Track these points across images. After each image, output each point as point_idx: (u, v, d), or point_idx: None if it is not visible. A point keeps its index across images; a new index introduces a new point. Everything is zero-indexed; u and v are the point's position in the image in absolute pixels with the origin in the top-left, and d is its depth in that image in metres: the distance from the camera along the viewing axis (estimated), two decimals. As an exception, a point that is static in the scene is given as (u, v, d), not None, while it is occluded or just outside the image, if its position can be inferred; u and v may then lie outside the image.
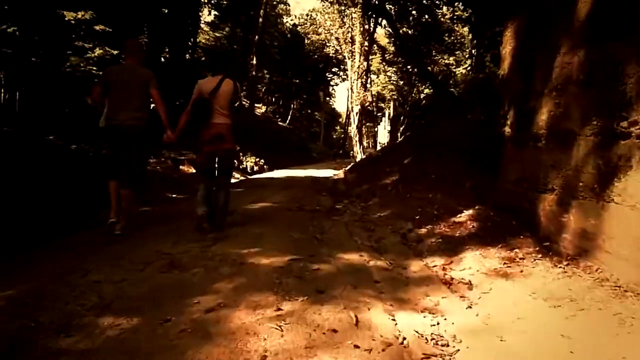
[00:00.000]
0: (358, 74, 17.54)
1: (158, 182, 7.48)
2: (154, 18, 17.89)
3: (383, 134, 14.54)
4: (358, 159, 17.77)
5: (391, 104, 14.29)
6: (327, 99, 38.40)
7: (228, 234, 3.49)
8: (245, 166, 12.81)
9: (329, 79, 33.56)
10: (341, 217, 4.71)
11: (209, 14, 23.77)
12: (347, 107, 36.39)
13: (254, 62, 17.80)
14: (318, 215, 4.74)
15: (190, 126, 3.41)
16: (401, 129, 17.22)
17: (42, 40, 8.62)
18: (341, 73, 33.77)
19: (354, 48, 17.86)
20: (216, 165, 3.48)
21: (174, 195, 7.05)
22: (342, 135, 36.77)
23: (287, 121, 33.13)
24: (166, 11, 18.64)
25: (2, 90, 10.11)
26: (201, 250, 2.97)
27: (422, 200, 4.84)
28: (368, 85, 18.95)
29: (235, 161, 5.59)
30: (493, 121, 4.26)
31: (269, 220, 4.28)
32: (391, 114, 13.86)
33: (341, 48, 28.55)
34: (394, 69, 21.50)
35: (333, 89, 39.94)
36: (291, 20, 32.02)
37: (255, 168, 13.06)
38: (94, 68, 10.75)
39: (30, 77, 8.06)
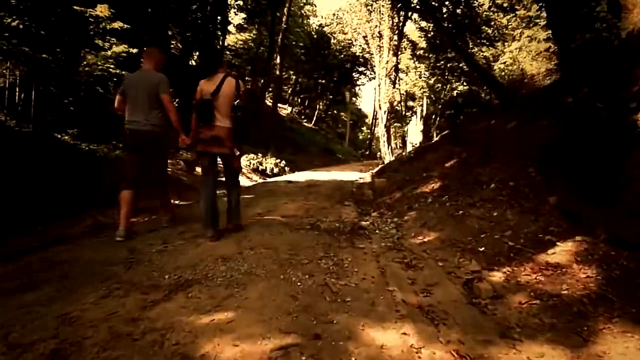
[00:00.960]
0: (387, 70, 15.99)
1: (180, 183, 6.46)
2: (181, 21, 17.43)
3: (414, 133, 12.95)
4: (386, 161, 16.23)
5: (423, 102, 12.63)
6: (353, 99, 36.88)
7: (195, 277, 2.24)
8: (264, 168, 11.68)
9: (355, 78, 32.05)
10: (369, 244, 3.34)
11: (236, 14, 23.13)
12: (374, 107, 34.68)
13: (278, 61, 16.70)
14: (337, 239, 3.40)
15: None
16: (432, 128, 15.50)
17: (57, 37, 7.95)
18: (368, 72, 32.24)
19: (382, 43, 16.32)
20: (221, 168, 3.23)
21: (177, 202, 5.95)
22: (369, 136, 35.09)
23: (313, 122, 32.02)
24: (193, 15, 18.29)
25: (18, 90, 9.56)
26: (132, 318, 1.72)
27: (482, 220, 3.38)
28: (396, 83, 17.33)
29: (236, 164, 4.45)
30: (593, 106, 2.76)
31: (267, 247, 3.00)
32: (424, 112, 12.23)
33: (368, 44, 27.08)
34: (425, 64, 19.72)
35: (359, 89, 38.39)
36: (317, 21, 30.83)
37: (275, 170, 11.90)
38: (111, 66, 10.06)
39: (45, 76, 7.35)
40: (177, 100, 4.75)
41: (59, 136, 7.49)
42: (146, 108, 3.13)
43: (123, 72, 10.08)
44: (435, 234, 3.45)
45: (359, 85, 35.66)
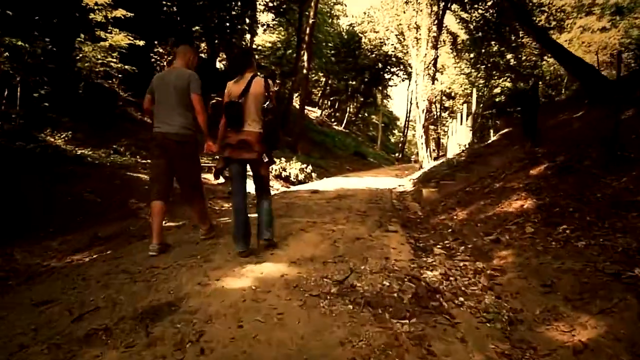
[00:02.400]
0: (425, 64, 13.92)
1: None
2: (208, 21, 16.42)
3: (461, 133, 10.85)
4: (425, 165, 14.13)
5: (473, 97, 10.45)
6: (385, 101, 34.69)
7: None
8: (288, 174, 10.10)
9: (387, 79, 29.94)
10: (462, 346, 1.54)
11: (264, 13, 22.01)
12: (407, 109, 32.36)
13: (305, 58, 15.16)
14: (392, 330, 1.65)
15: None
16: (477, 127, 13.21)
17: (46, 24, 6.85)
18: (400, 73, 30.06)
19: (420, 35, 14.28)
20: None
21: (167, 224, 4.46)
22: (402, 139, 32.74)
23: (343, 125, 30.28)
24: (220, 13, 17.22)
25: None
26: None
27: None
28: (435, 80, 15.16)
29: (264, 172, 3.27)
30: None
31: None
32: (472, 109, 10.09)
33: (404, 37, 24.95)
34: (466, 59, 17.35)
35: (390, 90, 36.11)
36: (348, 21, 29.14)
37: (301, 176, 10.29)
38: (113, 60, 8.96)
39: (33, 69, 6.29)
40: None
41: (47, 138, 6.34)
42: (175, 109, 2.73)
43: (126, 67, 9.01)
44: (585, 317, 1.61)
45: (391, 85, 33.41)
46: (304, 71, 14.74)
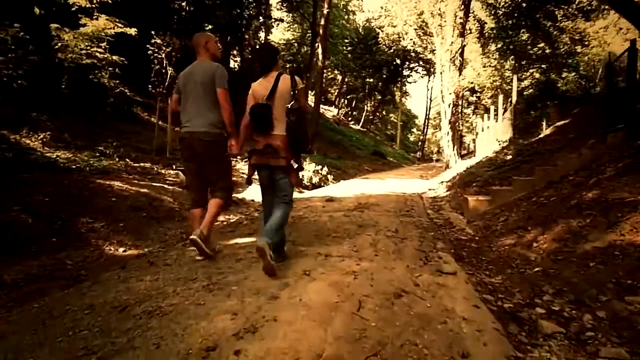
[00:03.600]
0: (451, 53, 12.33)
1: (131, 209, 3.86)
2: (219, 18, 15.45)
3: (497, 129, 9.28)
4: (452, 165, 12.54)
5: (514, 89, 8.76)
6: (403, 99, 32.91)
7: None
8: (301, 177, 8.86)
9: (406, 75, 28.22)
10: None
11: (279, 9, 20.93)
12: (427, 106, 30.54)
13: (320, 51, 13.88)
14: None
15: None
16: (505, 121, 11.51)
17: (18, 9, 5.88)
18: (420, 69, 28.29)
19: (444, 22, 12.70)
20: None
21: (122, 251, 3.29)
22: (421, 137, 30.91)
23: (360, 124, 28.81)
24: (233, 10, 16.27)
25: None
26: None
27: None
28: (462, 70, 13.49)
29: (293, 180, 2.50)
30: None
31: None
32: (512, 100, 8.47)
33: (423, 30, 23.27)
34: (493, 49, 15.58)
35: (409, 87, 34.24)
36: (365, 16, 27.64)
37: (315, 179, 9.03)
38: (99, 50, 7.90)
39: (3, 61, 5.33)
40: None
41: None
42: (203, 107, 2.42)
43: (114, 57, 7.90)
44: None
45: (410, 82, 31.55)
46: (319, 64, 13.45)
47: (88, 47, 7.16)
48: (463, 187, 6.03)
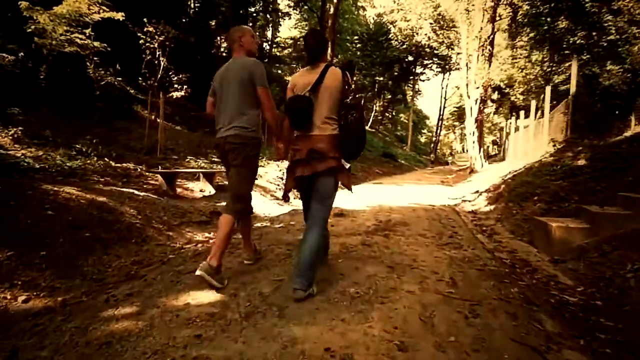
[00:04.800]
0: (480, 41, 10.68)
1: (70, 227, 2.44)
2: (225, 16, 14.31)
3: (544, 128, 7.64)
4: (478, 169, 10.90)
5: (573, 76, 6.94)
6: (414, 98, 31.18)
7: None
8: (303, 181, 7.35)
9: (419, 73, 26.52)
10: None
11: (287, 4, 19.51)
12: (440, 105, 28.72)
13: (328, 45, 12.36)
14: None
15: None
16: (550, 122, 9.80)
17: None
18: (434, 66, 26.56)
19: (472, 6, 11.05)
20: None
21: (23, 301, 1.85)
22: (433, 139, 29.13)
23: (369, 124, 27.20)
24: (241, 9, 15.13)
25: None
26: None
27: None
28: (492, 61, 11.78)
29: (345, 181, 1.99)
30: None
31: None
32: (573, 92, 6.75)
33: (439, 25, 21.64)
34: (528, 38, 13.80)
35: (421, 85, 32.51)
36: (376, 11, 26.01)
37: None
38: (81, 36, 5.93)
39: None
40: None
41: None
42: (236, 107, 2.11)
43: (95, 43, 5.89)
44: None
45: (423, 80, 29.78)
46: (328, 56, 11.87)
47: (68, 33, 5.91)
48: (518, 202, 4.42)
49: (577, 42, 13.68)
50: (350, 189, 2.03)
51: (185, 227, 3.36)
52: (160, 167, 5.38)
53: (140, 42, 8.23)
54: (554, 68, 13.77)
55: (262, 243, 2.89)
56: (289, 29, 23.86)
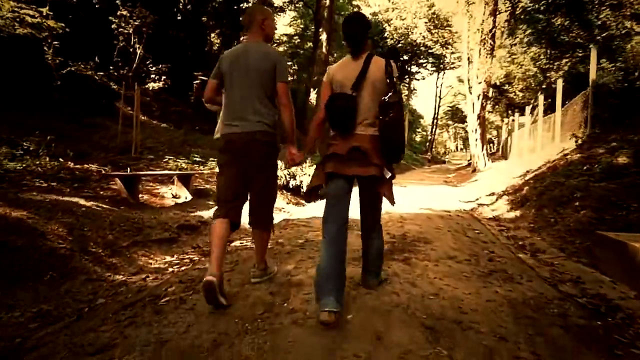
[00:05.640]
0: (481, 34, 9.87)
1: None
2: (216, 12, 13.46)
3: (545, 125, 6.86)
4: (481, 167, 10.10)
5: (592, 66, 6.13)
6: (409, 97, 30.40)
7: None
8: (298, 183, 6.45)
9: (414, 72, 25.73)
10: None
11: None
12: (435, 104, 27.98)
13: (324, 38, 11.46)
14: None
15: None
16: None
17: None
18: (429, 66, 25.81)
19: (474, -2, 10.23)
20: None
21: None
22: (429, 138, 28.37)
23: (365, 123, 26.34)
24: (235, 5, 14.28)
25: None
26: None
27: None
28: (494, 55, 10.94)
29: (387, 193, 1.70)
30: None
31: None
32: (591, 84, 5.95)
33: (434, 24, 20.93)
34: (525, 34, 13.07)
35: (415, 84, 31.70)
36: (371, 10, 25.16)
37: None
38: (30, 12, 4.89)
39: None
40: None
41: None
42: (255, 100, 1.77)
43: (50, 23, 5.08)
44: None
45: (418, 79, 29.01)
46: (324, 50, 11.04)
47: (17, 9, 4.97)
48: (554, 208, 3.59)
49: (572, 40, 12.98)
50: (392, 202, 1.73)
51: (140, 248, 2.47)
52: (129, 168, 4.47)
53: (112, 26, 7.25)
54: (550, 65, 13.00)
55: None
56: (284, 26, 22.93)
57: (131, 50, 7.79)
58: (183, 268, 2.26)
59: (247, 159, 1.77)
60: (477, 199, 5.42)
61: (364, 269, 1.87)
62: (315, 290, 1.50)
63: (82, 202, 2.84)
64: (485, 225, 3.71)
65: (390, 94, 1.62)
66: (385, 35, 23.35)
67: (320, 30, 11.99)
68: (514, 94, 14.19)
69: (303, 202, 6.20)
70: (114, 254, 2.27)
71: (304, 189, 6.48)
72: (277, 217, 4.11)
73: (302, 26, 21.55)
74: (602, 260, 2.39)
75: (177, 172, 4.59)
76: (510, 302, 1.70)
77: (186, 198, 4.20)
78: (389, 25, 23.05)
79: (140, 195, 3.81)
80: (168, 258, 2.46)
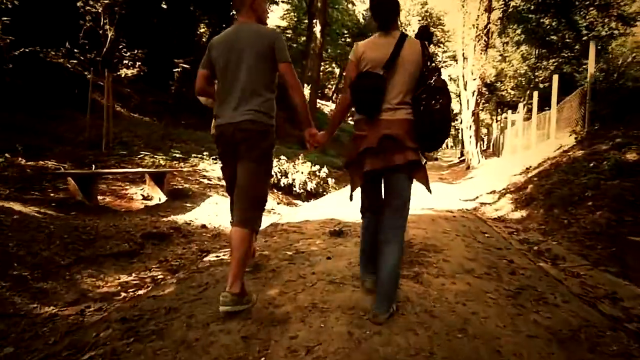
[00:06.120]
0: (476, 30, 9.58)
1: None
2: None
3: (539, 121, 6.62)
4: (475, 164, 9.87)
5: (591, 58, 5.83)
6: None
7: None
8: (291, 181, 6.05)
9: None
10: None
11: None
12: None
13: (318, 30, 11.02)
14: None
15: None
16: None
17: None
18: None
19: (468, -6, 9.91)
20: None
21: None
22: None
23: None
24: None
25: None
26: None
27: None
28: (488, 51, 10.68)
29: (423, 179, 1.51)
30: None
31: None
32: (587, 86, 5.70)
33: (431, 16, 20.62)
34: (515, 34, 12.88)
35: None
36: (365, 6, 24.75)
37: (311, 185, 6.25)
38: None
39: None
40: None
41: None
42: (250, 86, 1.55)
43: None
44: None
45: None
46: (317, 44, 10.59)
47: None
48: (565, 208, 3.30)
49: (559, 41, 12.84)
50: (429, 189, 1.58)
51: (87, 267, 2.03)
52: (94, 165, 3.98)
53: (78, 4, 6.54)
54: (539, 64, 12.85)
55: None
56: (278, 18, 22.33)
57: (101, 32, 7.08)
58: (140, 292, 1.84)
59: (236, 151, 1.58)
60: (478, 198, 5.13)
61: (377, 280, 1.58)
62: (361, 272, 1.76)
63: (17, 207, 2.38)
64: (492, 227, 3.40)
65: (435, 77, 1.45)
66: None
67: (314, 22, 11.53)
68: (505, 92, 14.01)
69: (295, 201, 5.81)
70: (46, 277, 1.82)
71: (297, 188, 6.09)
72: (265, 220, 3.71)
73: (295, 19, 20.97)
74: (636, 270, 2.08)
75: (148, 169, 4.07)
76: (557, 337, 1.36)
77: (160, 199, 3.74)
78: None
79: (101, 198, 3.35)
80: (124, 278, 2.02)
